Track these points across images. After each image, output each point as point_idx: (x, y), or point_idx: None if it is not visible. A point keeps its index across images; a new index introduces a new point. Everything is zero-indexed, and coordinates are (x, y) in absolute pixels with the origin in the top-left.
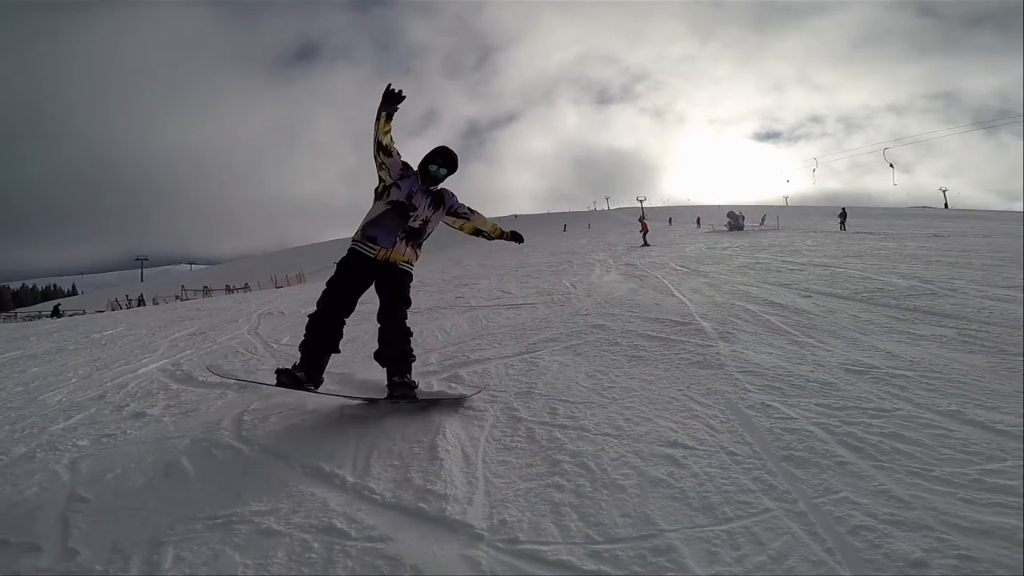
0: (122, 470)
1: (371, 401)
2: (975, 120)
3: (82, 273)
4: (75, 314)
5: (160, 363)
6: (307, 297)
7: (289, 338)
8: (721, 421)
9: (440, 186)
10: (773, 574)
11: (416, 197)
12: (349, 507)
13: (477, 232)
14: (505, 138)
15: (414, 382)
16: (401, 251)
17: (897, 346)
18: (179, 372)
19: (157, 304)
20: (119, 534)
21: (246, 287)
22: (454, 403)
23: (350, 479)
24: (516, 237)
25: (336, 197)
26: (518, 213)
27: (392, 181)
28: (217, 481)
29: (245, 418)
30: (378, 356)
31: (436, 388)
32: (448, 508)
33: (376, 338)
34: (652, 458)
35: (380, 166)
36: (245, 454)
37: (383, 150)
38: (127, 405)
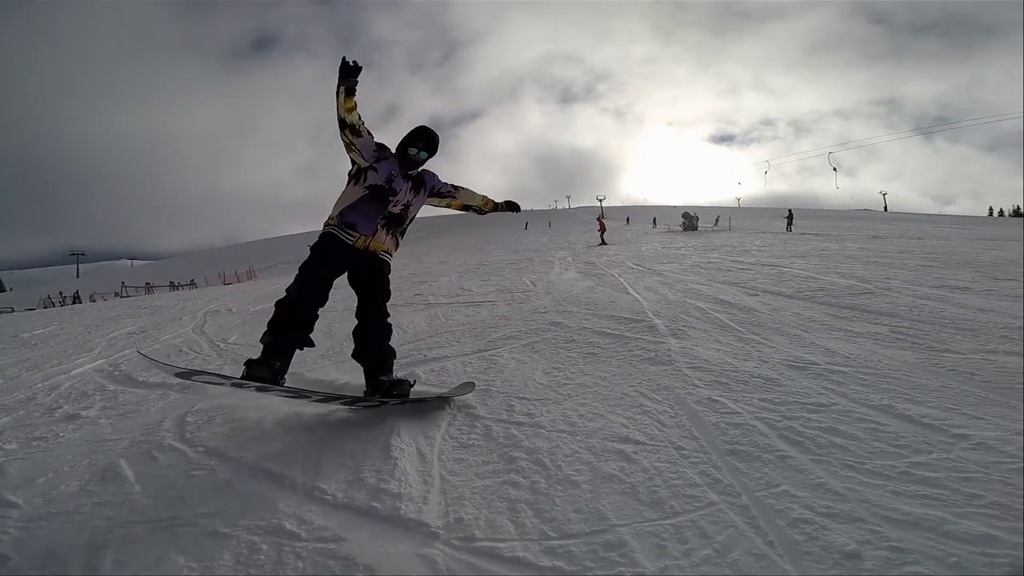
0: (54, 474)
1: (352, 401)
2: (915, 126)
3: (10, 269)
4: (2, 311)
5: (96, 363)
6: (258, 294)
7: (237, 336)
8: (670, 416)
9: (420, 168)
10: (718, 567)
11: (396, 181)
12: (299, 508)
13: (466, 208)
14: (468, 135)
15: (411, 380)
16: (381, 240)
17: (836, 343)
18: (117, 372)
19: (94, 301)
20: (53, 539)
21: (192, 284)
22: (424, 402)
23: (300, 479)
24: (512, 206)
25: (290, 191)
26: None
27: (368, 164)
28: (158, 484)
29: (188, 419)
30: (357, 355)
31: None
32: (403, 507)
33: (326, 333)
34: (604, 454)
35: (348, 147)
36: (188, 456)
37: (349, 128)
38: (59, 407)
